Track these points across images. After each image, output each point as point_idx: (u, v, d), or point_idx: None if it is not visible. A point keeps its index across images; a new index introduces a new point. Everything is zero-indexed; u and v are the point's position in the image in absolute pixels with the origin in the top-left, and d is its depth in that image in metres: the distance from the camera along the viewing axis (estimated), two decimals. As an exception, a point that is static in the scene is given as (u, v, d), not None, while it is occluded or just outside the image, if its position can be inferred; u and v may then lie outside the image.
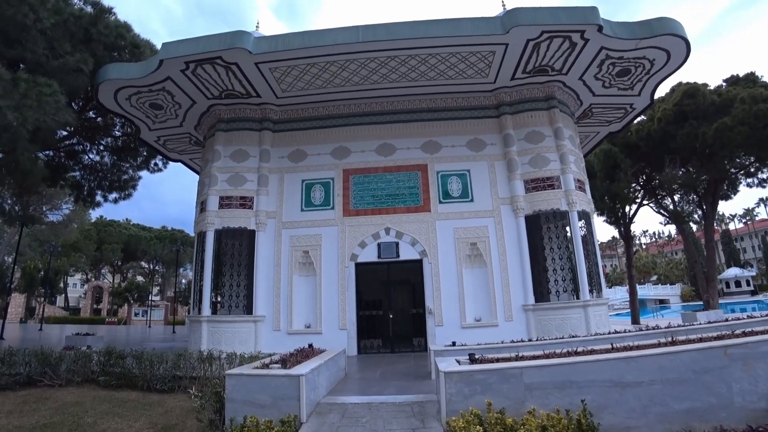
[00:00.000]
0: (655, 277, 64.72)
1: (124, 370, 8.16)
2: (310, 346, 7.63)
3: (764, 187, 21.07)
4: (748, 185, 21.32)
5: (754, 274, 56.77)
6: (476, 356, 5.59)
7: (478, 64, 12.22)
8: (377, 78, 12.57)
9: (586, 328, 11.31)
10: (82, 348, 9.47)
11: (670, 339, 6.21)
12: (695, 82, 17.98)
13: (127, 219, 60.24)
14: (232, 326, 11.84)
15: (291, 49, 11.08)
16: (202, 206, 13.28)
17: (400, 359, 10.58)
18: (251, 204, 12.90)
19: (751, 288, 53.98)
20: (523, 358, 5.70)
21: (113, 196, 19.60)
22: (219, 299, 12.66)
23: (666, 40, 11.56)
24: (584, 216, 12.67)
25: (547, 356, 5.60)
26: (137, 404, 7.07)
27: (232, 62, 11.58)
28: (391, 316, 12.39)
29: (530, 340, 7.85)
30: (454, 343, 7.67)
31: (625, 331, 8.35)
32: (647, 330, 8.30)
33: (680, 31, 11.42)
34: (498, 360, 5.58)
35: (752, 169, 20.04)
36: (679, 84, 19.03)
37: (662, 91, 15.10)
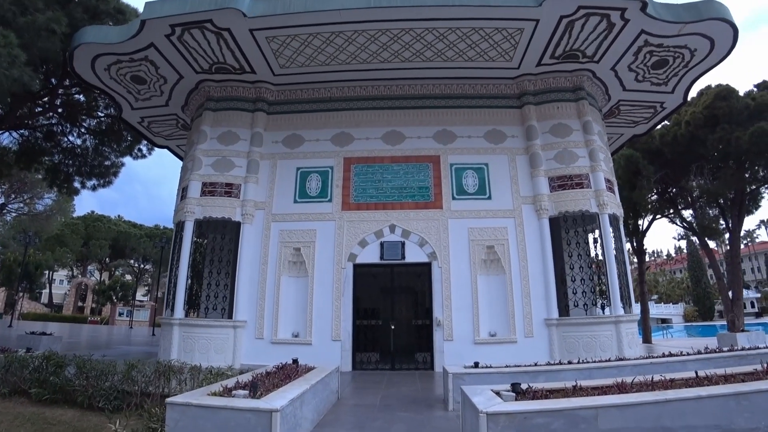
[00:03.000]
0: (656, 296, 63.25)
1: (63, 382, 6.54)
2: (295, 362, 6.05)
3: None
4: (774, 199, 19.90)
5: (758, 295, 55.46)
6: (522, 387, 4.04)
7: (502, 44, 10.77)
8: (388, 55, 11.10)
9: (617, 347, 9.77)
10: (19, 351, 7.82)
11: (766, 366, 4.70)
12: (728, 84, 16.67)
13: (119, 216, 58.61)
14: (207, 332, 10.18)
15: (291, 13, 9.58)
16: (182, 193, 11.70)
17: (403, 379, 8.96)
18: (238, 192, 11.31)
19: (756, 310, 52.65)
20: (583, 391, 4.15)
21: (92, 182, 18.05)
22: (196, 299, 11.04)
23: (712, 26, 10.22)
24: (614, 220, 11.18)
25: (620, 388, 4.05)
26: (69, 429, 5.46)
27: (224, 27, 10.06)
28: (392, 327, 10.76)
29: (569, 362, 6.31)
30: (476, 364, 6.12)
31: (681, 354, 6.82)
32: (709, 353, 6.79)
33: (729, 16, 10.10)
34: (551, 393, 4.03)
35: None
36: (708, 87, 17.71)
37: (692, 93, 13.74)
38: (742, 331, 13.09)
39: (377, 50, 10.91)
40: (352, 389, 7.71)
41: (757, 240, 73.26)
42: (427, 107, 12.15)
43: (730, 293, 18.58)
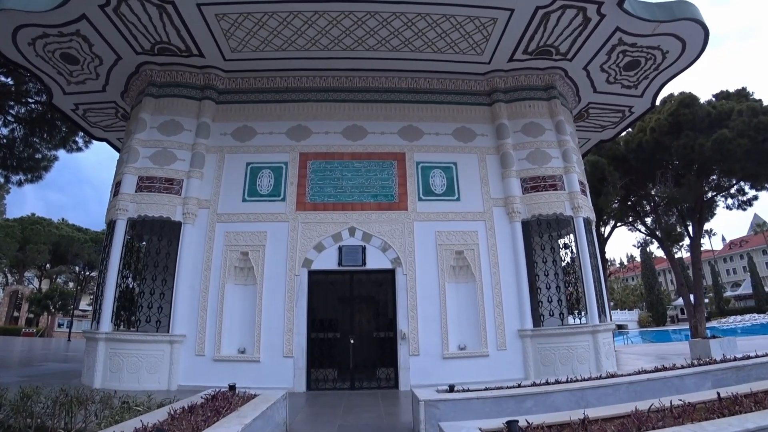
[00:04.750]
0: (612, 303, 65.00)
1: (-69, 418, 5.14)
2: (232, 388, 4.94)
3: (744, 209, 20.01)
4: (728, 207, 20.25)
5: (705, 301, 57.90)
6: (521, 424, 3.13)
7: (474, 34, 10.07)
8: (351, 42, 10.17)
9: (595, 359, 9.18)
10: None
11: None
12: (690, 92, 16.78)
13: (63, 219, 54.68)
14: (138, 348, 8.78)
15: (242, -13, 8.54)
16: (115, 189, 10.29)
17: (364, 401, 7.93)
18: (179, 189, 10.01)
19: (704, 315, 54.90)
20: (594, 425, 3.30)
21: (18, 177, 16.11)
22: (127, 310, 9.62)
23: (685, 27, 9.98)
24: (587, 224, 10.65)
25: (639, 420, 3.21)
26: None
27: (168, 0, 8.86)
28: (352, 341, 9.68)
29: (557, 381, 5.50)
30: (451, 388, 5.20)
31: (674, 366, 6.16)
32: (703, 365, 6.15)
33: (700, 17, 9.86)
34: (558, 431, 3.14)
35: (734, 190, 18.98)
36: (671, 95, 17.84)
37: (658, 99, 13.62)
38: (713, 337, 12.84)
39: (339, 35, 9.96)
40: (304, 416, 6.62)
41: (702, 248, 77.10)
42: (392, 101, 11.31)
43: (692, 298, 18.67)
